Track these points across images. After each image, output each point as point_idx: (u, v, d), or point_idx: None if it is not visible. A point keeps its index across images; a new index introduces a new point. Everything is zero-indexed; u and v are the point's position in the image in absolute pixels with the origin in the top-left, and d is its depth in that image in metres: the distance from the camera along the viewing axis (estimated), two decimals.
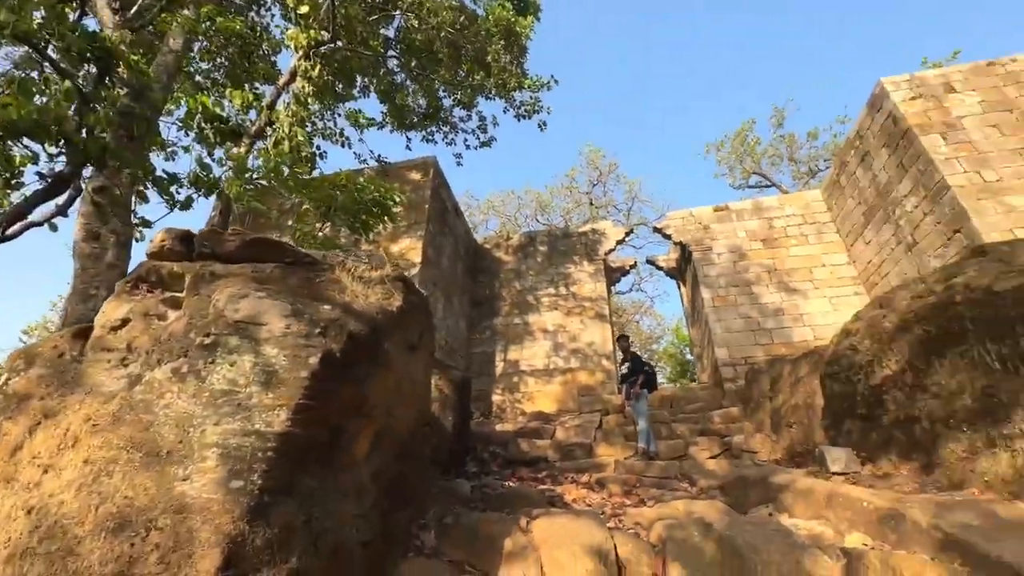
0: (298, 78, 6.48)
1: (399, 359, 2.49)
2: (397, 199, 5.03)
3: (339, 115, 8.15)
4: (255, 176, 4.54)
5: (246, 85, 8.01)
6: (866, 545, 2.53)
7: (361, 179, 4.50)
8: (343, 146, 7.40)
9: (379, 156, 9.09)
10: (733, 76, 53.84)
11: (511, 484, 4.74)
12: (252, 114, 7.68)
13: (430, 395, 3.29)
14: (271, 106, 6.53)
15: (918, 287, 3.74)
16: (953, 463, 3.15)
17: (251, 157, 6.18)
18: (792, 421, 5.56)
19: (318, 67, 6.29)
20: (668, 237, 11.09)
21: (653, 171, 47.88)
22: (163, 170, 4.39)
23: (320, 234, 5.44)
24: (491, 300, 11.16)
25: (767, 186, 19.25)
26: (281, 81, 6.83)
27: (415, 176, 9.68)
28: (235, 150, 5.99)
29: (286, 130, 6.04)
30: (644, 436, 6.00)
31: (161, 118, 5.54)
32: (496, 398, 9.79)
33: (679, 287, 12.45)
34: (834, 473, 4.07)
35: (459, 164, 9.61)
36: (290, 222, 8.90)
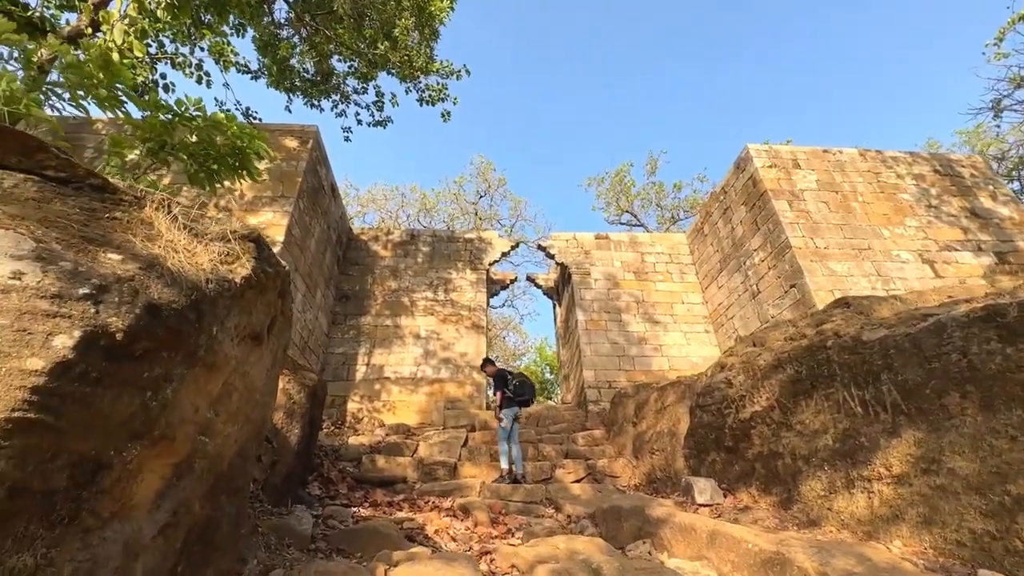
0: None
1: (234, 354, 1.71)
2: (264, 154, 4.02)
3: (201, 48, 6.62)
4: (50, 77, 3.22)
5: None
6: None
7: (220, 114, 3.45)
8: (199, 82, 5.95)
9: (248, 109, 7.64)
10: (617, 123, 59.26)
11: (363, 512, 4.00)
12: (73, 17, 5.89)
13: (273, 404, 2.48)
14: (101, 4, 4.98)
15: (790, 329, 3.98)
16: (812, 499, 3.29)
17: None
18: (655, 448, 5.68)
19: None
20: (551, 256, 11.22)
21: (536, 193, 50.01)
22: None
23: (149, 178, 4.14)
24: (360, 297, 10.09)
25: (636, 225, 21.03)
26: None
27: (290, 143, 8.34)
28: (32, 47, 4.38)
29: (117, 40, 4.58)
30: (507, 456, 5.63)
31: None
32: (352, 406, 8.74)
33: (554, 307, 12.68)
34: (700, 504, 4.13)
35: (347, 139, 8.54)
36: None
